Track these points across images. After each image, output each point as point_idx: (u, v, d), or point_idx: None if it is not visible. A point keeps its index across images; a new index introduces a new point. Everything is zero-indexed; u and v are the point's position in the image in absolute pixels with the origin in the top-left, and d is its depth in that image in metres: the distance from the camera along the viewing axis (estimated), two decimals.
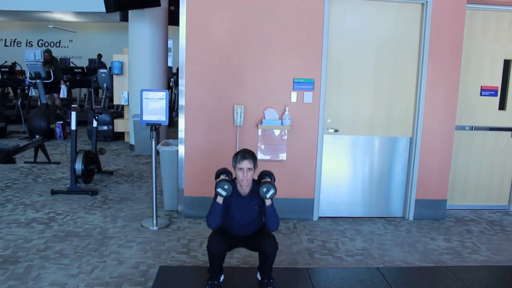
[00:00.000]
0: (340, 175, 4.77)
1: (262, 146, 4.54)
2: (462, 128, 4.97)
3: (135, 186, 5.73)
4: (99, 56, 14.56)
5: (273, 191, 2.92)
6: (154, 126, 4.20)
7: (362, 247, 4.05)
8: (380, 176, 4.80)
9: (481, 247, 4.17)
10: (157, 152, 4.43)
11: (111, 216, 4.56)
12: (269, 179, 3.03)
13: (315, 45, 4.44)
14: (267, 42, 4.41)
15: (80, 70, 12.31)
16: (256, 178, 3.14)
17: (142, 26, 7.46)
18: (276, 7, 4.37)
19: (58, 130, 8.53)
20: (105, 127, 8.35)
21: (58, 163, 6.70)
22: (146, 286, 3.15)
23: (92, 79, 10.92)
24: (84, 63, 14.85)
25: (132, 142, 7.81)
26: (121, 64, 7.97)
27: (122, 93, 8.02)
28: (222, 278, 3.10)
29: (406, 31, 4.58)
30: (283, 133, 4.53)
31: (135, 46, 7.55)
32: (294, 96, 4.49)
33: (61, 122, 8.58)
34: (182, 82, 4.41)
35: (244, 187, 3.04)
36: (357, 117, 4.67)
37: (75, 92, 12.39)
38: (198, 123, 4.47)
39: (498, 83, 5.00)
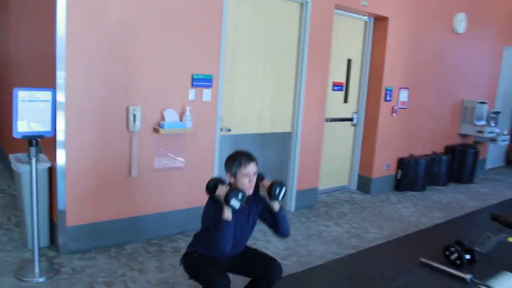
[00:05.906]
0: None
1: (162, 154, 3.89)
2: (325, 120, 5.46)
3: None
4: None
5: (285, 189, 2.59)
6: (35, 140, 3.03)
7: (285, 247, 4.00)
8: (268, 172, 4.79)
9: (365, 226, 4.72)
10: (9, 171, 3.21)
11: None
12: (276, 180, 2.65)
13: (213, 39, 4.04)
14: (165, 33, 3.75)
15: None
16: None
17: None
18: None
19: None
20: None
21: None
22: None
23: None
24: None
25: None
26: None
27: None
28: None
29: (288, 30, 4.68)
30: (183, 137, 3.99)
31: None
32: (192, 94, 3.99)
33: None
34: (61, 75, 3.30)
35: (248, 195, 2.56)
36: (247, 114, 4.54)
37: None
38: (82, 129, 3.46)
39: (344, 79, 5.70)
